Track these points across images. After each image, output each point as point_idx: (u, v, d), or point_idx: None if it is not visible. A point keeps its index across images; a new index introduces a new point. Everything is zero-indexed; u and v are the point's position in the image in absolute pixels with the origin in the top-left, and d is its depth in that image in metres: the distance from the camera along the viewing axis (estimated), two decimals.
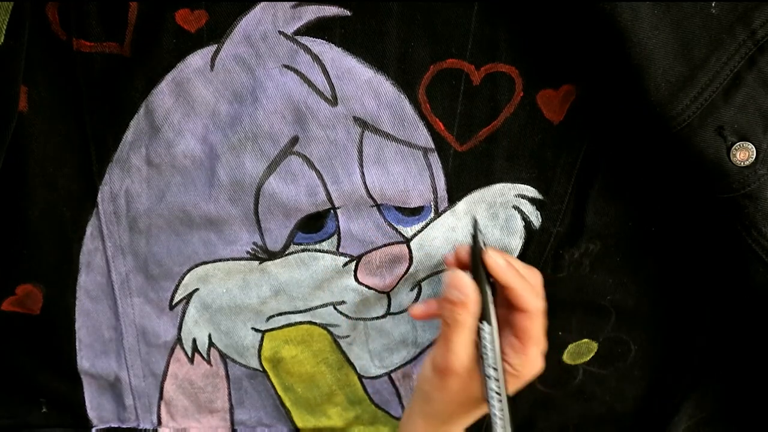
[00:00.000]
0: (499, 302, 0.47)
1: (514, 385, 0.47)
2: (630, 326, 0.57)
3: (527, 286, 0.46)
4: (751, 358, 0.56)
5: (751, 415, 0.59)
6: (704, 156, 0.45)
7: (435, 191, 0.51)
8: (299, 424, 0.60)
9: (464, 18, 0.47)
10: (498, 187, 0.52)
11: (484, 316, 0.46)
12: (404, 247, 0.53)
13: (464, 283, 0.45)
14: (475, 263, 0.47)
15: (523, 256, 0.53)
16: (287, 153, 0.50)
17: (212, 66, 0.48)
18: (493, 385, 0.45)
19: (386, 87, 0.48)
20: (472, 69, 0.48)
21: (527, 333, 0.46)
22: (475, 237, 0.47)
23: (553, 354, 0.58)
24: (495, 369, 0.45)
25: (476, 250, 0.47)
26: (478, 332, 0.46)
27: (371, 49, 0.48)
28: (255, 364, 0.58)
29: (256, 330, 0.56)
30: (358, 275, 0.54)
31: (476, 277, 0.46)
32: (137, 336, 0.56)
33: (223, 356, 0.57)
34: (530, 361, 0.47)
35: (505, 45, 0.47)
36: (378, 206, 0.52)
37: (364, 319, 0.56)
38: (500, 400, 0.45)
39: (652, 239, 0.53)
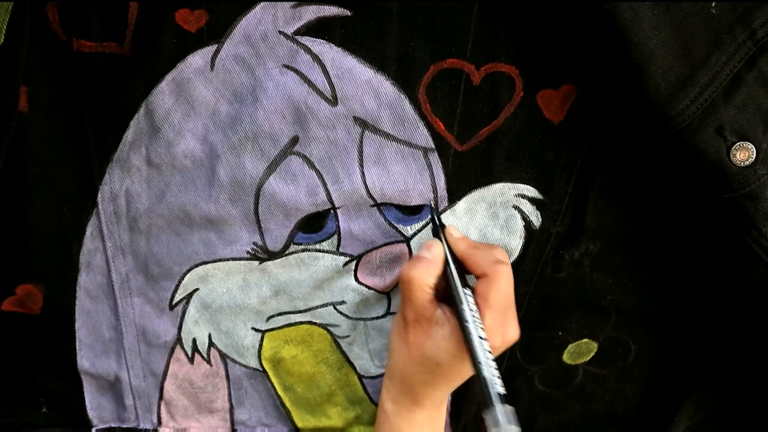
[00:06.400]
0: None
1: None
2: (630, 326, 0.57)
3: (479, 253, 0.49)
4: (751, 358, 0.56)
5: (751, 415, 0.60)
6: (704, 156, 0.45)
7: (435, 191, 0.51)
8: (299, 424, 0.60)
9: (464, 18, 0.47)
10: (498, 187, 0.52)
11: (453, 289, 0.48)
12: (404, 246, 0.53)
13: (435, 244, 0.49)
14: (436, 236, 0.51)
15: (523, 256, 0.54)
16: (287, 153, 0.50)
17: (212, 66, 0.48)
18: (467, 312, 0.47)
19: (386, 87, 0.48)
20: (472, 69, 0.48)
21: (482, 296, 0.47)
22: (433, 218, 0.51)
23: (553, 354, 0.58)
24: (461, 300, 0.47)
25: (437, 227, 0.51)
26: (451, 295, 0.48)
27: (371, 49, 0.48)
28: (255, 364, 0.58)
29: (256, 330, 0.56)
30: (358, 275, 0.54)
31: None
32: (137, 336, 0.56)
33: (223, 356, 0.57)
34: (493, 326, 0.47)
35: (505, 45, 0.47)
36: (378, 206, 0.52)
37: (364, 319, 0.56)
38: (469, 323, 0.46)
39: (652, 239, 0.53)
